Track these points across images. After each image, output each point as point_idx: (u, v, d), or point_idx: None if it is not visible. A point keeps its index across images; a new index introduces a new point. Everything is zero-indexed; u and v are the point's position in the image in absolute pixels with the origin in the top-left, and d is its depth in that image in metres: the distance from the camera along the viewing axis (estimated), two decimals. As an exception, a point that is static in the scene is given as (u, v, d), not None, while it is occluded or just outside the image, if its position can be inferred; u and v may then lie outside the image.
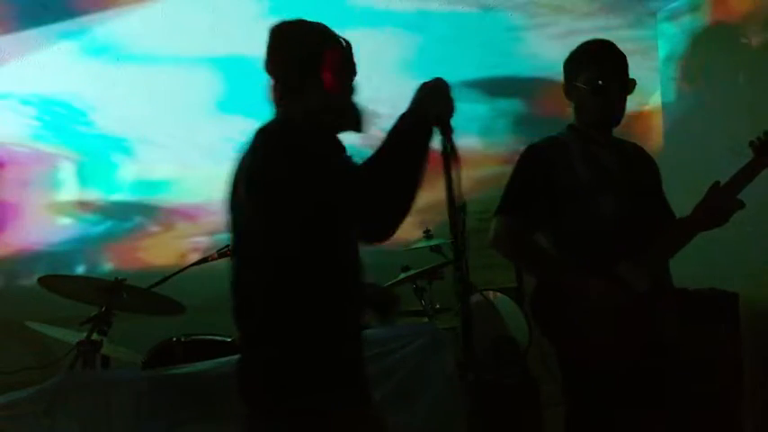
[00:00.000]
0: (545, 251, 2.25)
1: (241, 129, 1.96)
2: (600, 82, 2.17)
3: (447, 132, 1.65)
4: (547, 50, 4.08)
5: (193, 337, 3.08)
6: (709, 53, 3.80)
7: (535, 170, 2.24)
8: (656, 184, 2.35)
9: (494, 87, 4.15)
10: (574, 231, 2.20)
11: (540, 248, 2.25)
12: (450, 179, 1.65)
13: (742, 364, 3.15)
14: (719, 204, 2.17)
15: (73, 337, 2.59)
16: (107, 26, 3.61)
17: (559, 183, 2.19)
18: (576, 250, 2.19)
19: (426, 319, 3.42)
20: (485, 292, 3.70)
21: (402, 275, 3.46)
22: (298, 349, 1.60)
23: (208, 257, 3.14)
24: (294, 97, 1.73)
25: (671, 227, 2.24)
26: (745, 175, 2.17)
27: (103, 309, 2.58)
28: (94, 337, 2.53)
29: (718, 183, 2.18)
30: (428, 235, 3.71)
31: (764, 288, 3.22)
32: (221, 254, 3.13)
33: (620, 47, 2.29)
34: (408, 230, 3.77)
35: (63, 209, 3.51)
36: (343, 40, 1.77)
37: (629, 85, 2.23)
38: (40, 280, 2.69)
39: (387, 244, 1.65)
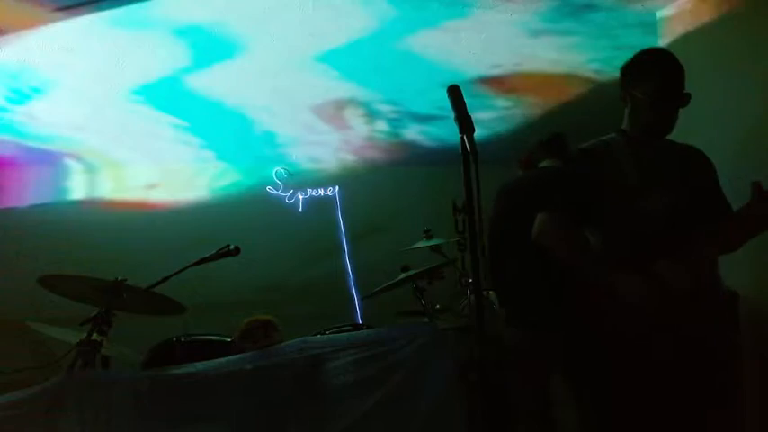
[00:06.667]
0: (588, 247, 2.31)
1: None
2: (658, 95, 2.19)
3: (468, 132, 1.67)
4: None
5: (193, 337, 3.09)
6: (710, 50, 3.78)
7: (582, 172, 2.31)
8: (710, 183, 2.32)
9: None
10: (619, 230, 2.24)
11: (583, 245, 2.31)
12: (469, 179, 1.67)
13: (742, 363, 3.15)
14: (762, 210, 2.15)
15: (73, 337, 2.59)
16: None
17: (606, 184, 2.25)
18: (621, 247, 2.23)
19: (426, 319, 3.42)
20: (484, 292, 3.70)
21: (402, 275, 3.46)
22: None
23: (208, 257, 3.14)
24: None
25: (713, 227, 2.22)
26: None
27: (103, 309, 2.58)
28: (94, 337, 2.53)
29: (759, 183, 2.14)
30: (428, 235, 3.72)
31: (764, 288, 3.22)
32: (221, 254, 3.13)
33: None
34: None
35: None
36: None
37: (685, 99, 2.24)
38: (40, 280, 2.69)
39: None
